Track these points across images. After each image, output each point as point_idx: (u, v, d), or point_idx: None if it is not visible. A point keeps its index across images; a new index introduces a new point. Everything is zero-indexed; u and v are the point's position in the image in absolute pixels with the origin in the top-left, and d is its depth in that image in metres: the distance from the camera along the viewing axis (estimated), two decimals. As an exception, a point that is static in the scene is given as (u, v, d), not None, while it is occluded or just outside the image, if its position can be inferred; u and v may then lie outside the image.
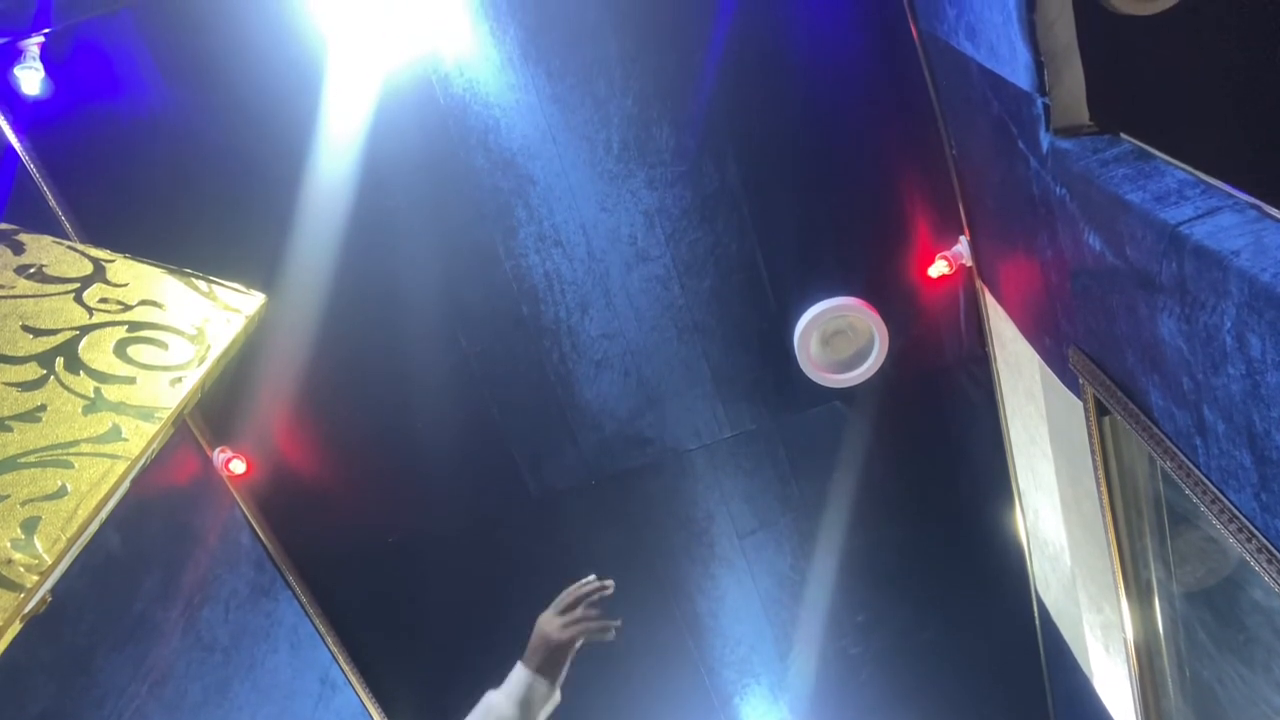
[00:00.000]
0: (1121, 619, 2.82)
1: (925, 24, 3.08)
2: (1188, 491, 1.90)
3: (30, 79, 3.18)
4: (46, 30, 3.17)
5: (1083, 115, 2.19)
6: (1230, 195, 1.68)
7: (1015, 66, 2.26)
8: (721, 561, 4.33)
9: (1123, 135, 2.11)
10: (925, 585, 4.42)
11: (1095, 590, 3.15)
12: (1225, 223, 1.59)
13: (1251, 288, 1.42)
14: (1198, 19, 2.22)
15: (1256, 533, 1.66)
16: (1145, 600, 2.74)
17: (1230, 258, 1.49)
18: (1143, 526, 2.59)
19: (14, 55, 3.17)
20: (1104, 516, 2.66)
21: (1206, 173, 1.79)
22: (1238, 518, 1.71)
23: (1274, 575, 1.64)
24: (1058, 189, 2.25)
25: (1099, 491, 2.63)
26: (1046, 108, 2.20)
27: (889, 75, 3.40)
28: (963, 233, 3.54)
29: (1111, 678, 3.27)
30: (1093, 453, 2.57)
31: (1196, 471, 1.85)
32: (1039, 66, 2.14)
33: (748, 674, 4.59)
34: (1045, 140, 2.25)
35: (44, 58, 3.21)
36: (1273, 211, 1.57)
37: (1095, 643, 3.37)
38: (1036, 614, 4.29)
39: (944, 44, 2.91)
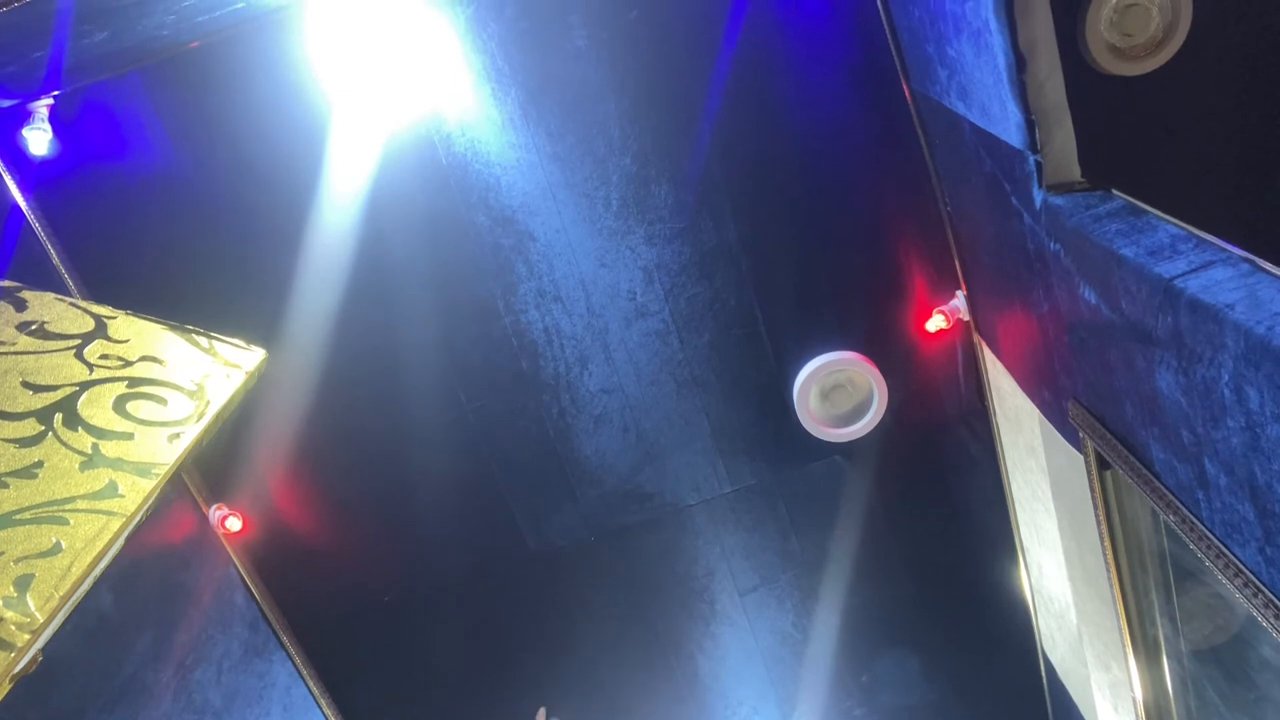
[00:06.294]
0: (1130, 677, 2.77)
1: (918, 85, 3.14)
2: (1192, 546, 1.88)
3: (38, 140, 3.23)
4: (56, 93, 3.24)
5: (1074, 172, 2.22)
6: (1223, 249, 1.69)
7: (1007, 125, 2.29)
8: (722, 619, 4.27)
9: (1114, 191, 2.14)
10: (929, 643, 4.35)
11: (1102, 648, 3.10)
12: (1219, 276, 1.60)
13: (1248, 341, 1.43)
14: (1185, 78, 2.26)
15: (1263, 588, 1.64)
16: (1153, 658, 2.69)
17: (1225, 311, 1.50)
18: (1148, 582, 2.56)
19: (23, 117, 3.23)
20: (1109, 572, 2.63)
21: (1198, 227, 1.81)
22: (1243, 572, 1.69)
23: (1282, 631, 1.61)
24: (1052, 244, 2.27)
25: (1103, 546, 2.61)
26: (1039, 165, 2.23)
27: (883, 134, 3.46)
28: (959, 287, 3.56)
29: (1121, 739, 3.20)
30: (1095, 507, 2.55)
31: (1200, 526, 1.84)
32: (1030, 125, 2.18)
33: (750, 736, 4.49)
34: (1038, 197, 2.28)
35: (53, 119, 3.27)
36: (1266, 265, 1.58)
37: (1104, 702, 3.30)
38: (1043, 672, 4.21)
39: (936, 104, 2.96)
